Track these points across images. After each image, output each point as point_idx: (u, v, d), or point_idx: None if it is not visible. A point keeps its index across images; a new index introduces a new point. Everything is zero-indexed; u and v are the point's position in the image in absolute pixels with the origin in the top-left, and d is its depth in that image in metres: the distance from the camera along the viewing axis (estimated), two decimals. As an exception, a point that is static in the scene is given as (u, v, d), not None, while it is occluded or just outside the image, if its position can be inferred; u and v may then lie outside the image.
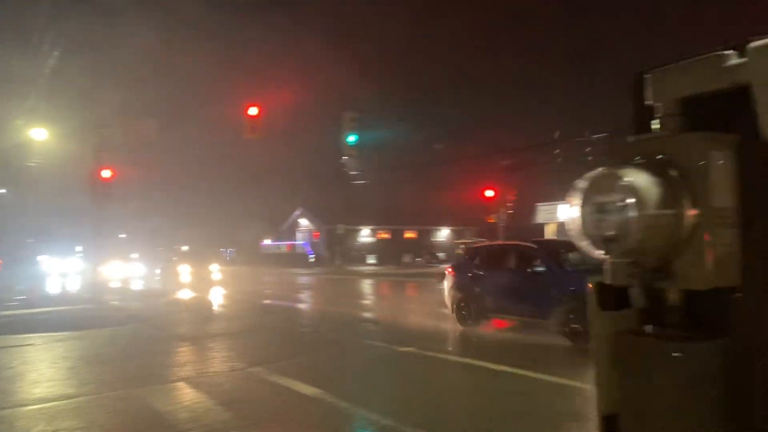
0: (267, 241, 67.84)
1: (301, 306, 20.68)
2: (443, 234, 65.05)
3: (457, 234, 63.93)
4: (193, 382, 7.94)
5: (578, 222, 1.65)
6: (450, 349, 10.38)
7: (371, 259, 58.82)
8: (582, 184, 1.64)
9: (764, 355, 1.61)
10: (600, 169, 1.63)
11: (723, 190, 1.59)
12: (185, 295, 23.83)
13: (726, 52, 1.61)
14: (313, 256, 57.40)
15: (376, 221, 60.84)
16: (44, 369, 9.16)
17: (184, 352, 10.69)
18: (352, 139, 23.87)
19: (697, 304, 1.68)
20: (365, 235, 61.64)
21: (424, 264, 52.40)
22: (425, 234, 63.82)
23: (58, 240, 56.19)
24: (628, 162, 1.66)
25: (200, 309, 18.27)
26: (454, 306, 13.24)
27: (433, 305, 19.34)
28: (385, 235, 62.72)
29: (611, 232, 1.57)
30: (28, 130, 23.96)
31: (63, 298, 22.64)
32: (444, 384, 7.86)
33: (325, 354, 10.43)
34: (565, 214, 1.66)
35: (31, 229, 54.23)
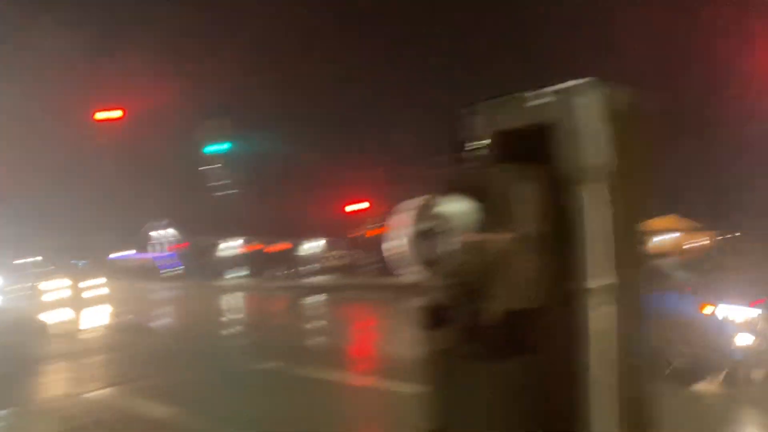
0: (126, 252, 63.94)
1: (161, 322, 19.69)
2: (314, 246, 64.94)
3: (328, 246, 64.10)
4: (28, 409, 7.29)
5: (402, 246, 1.72)
6: (318, 364, 10.36)
7: (240, 272, 57.34)
8: (405, 210, 1.73)
9: (566, 371, 1.77)
10: (422, 196, 1.72)
11: (530, 218, 1.74)
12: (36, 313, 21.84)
13: (531, 93, 1.77)
14: (178, 268, 54.92)
15: (245, 232, 59.45)
16: None
17: (18, 375, 9.78)
18: (219, 147, 23.25)
19: (509, 323, 1.82)
20: (234, 246, 60.03)
21: (294, 276, 51.94)
22: (295, 246, 63.35)
23: None
24: (447, 189, 1.76)
25: (45, 327, 16.81)
26: None
27: (303, 319, 19.24)
28: (255, 247, 61.49)
29: (431, 256, 1.66)
30: None
31: None
32: (310, 402, 7.84)
33: (185, 372, 10.00)
34: (392, 238, 1.74)
35: None
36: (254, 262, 58.67)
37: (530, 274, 1.74)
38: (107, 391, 8.13)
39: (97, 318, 19.73)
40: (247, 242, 60.98)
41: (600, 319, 1.73)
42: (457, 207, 1.66)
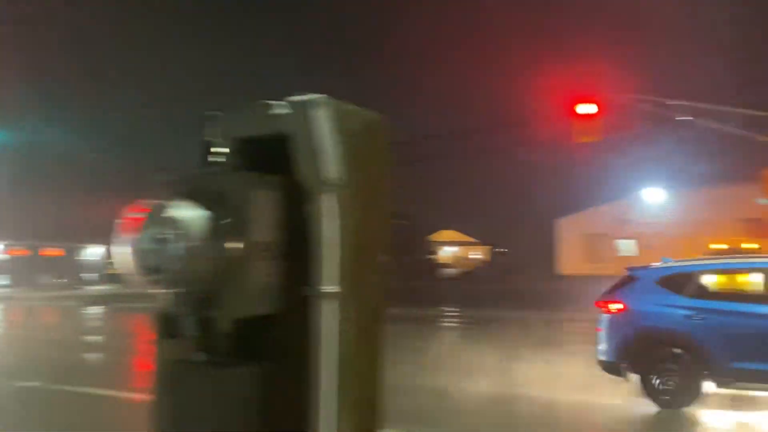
0: None
1: None
2: (94, 252, 59.49)
3: (110, 253, 59.11)
4: None
5: (130, 251, 1.64)
6: (83, 380, 9.45)
7: (2, 280, 50.49)
8: (133, 214, 1.65)
9: (300, 375, 1.82)
10: (151, 200, 1.65)
11: (264, 226, 1.76)
12: None
13: (273, 102, 1.80)
14: None
15: (9, 236, 52.52)
16: None
17: None
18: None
19: (243, 331, 1.82)
20: (-6, 251, 52.72)
21: (69, 285, 47.11)
22: (74, 252, 57.49)
23: None
24: (183, 195, 1.72)
25: None
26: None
27: (74, 331, 17.50)
28: (22, 253, 54.60)
29: (158, 263, 1.60)
30: None
31: None
32: (69, 420, 7.14)
33: None
34: (117, 244, 1.64)
35: None
36: (20, 269, 52.10)
37: (264, 281, 1.76)
38: None
39: None
40: (10, 246, 53.93)
41: (331, 324, 1.80)
42: (187, 213, 1.62)
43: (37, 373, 9.93)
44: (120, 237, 1.63)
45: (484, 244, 63.28)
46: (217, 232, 1.66)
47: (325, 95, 1.79)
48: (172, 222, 1.58)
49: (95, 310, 25.10)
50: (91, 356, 12.78)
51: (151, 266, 1.60)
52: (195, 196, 1.70)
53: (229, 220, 1.67)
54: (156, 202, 1.64)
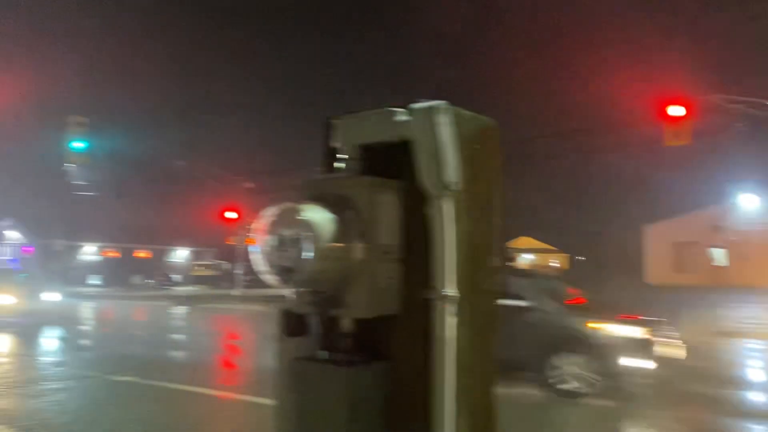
0: (-33, 255, 57.54)
1: (9, 331, 17.89)
2: (180, 255, 62.11)
3: (196, 255, 61.59)
4: None
5: (262, 252, 1.72)
6: (173, 377, 9.85)
7: (96, 280, 53.52)
8: (267, 216, 1.72)
9: (419, 376, 1.84)
10: (284, 203, 1.73)
11: (388, 229, 1.81)
12: None
13: (395, 109, 1.84)
14: (24, 274, 50.12)
15: (103, 238, 55.66)
16: None
17: None
18: (78, 145, 21.68)
19: (365, 331, 1.86)
20: (90, 252, 55.98)
21: (157, 286, 49.36)
22: (160, 254, 60.24)
23: None
24: (311, 198, 1.78)
25: None
26: None
27: (163, 330, 18.32)
28: (114, 254, 57.71)
29: (289, 264, 1.67)
30: None
31: None
32: (164, 414, 7.45)
33: (27, 386, 9.15)
34: (252, 244, 1.73)
35: None
36: (112, 269, 55.06)
37: (386, 282, 1.80)
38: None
39: None
40: (104, 248, 57.14)
41: (451, 326, 1.82)
42: (317, 216, 1.68)
43: (131, 368, 10.46)
44: (255, 239, 1.71)
45: (563, 251, 61.68)
46: (343, 234, 1.71)
47: (445, 102, 1.81)
48: (303, 224, 1.65)
49: (181, 310, 26.20)
50: (179, 354, 13.33)
51: (283, 266, 1.67)
52: (322, 199, 1.76)
53: (356, 222, 1.72)
54: (286, 205, 1.71)
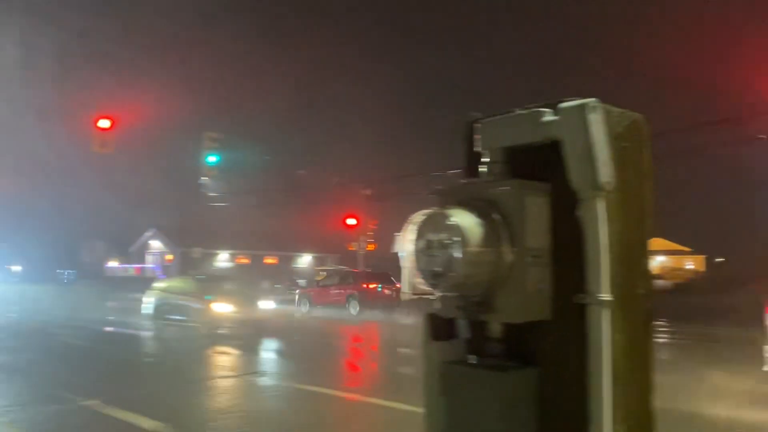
0: (113, 263, 63.41)
1: (146, 334, 19.51)
2: (305, 260, 64.66)
3: (318, 261, 63.86)
4: (15, 419, 7.19)
5: (411, 257, 1.74)
6: (309, 379, 10.26)
7: (228, 285, 56.88)
8: (415, 221, 1.75)
9: (572, 383, 1.78)
10: (432, 208, 1.74)
11: (537, 232, 1.77)
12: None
13: (542, 109, 1.80)
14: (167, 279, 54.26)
15: (234, 245, 59.18)
16: None
17: (7, 382, 9.64)
18: (212, 159, 23.19)
19: (514, 335, 1.83)
20: (223, 259, 59.72)
21: (284, 290, 51.67)
22: (286, 260, 63.07)
23: None
24: (456, 203, 1.79)
25: (21, 333, 16.62)
26: None
27: (293, 333, 19.13)
28: (244, 260, 61.18)
29: (439, 268, 1.68)
30: None
31: None
32: (300, 416, 7.77)
33: (171, 384, 9.91)
34: (400, 249, 1.76)
35: None
36: (247, 274, 58.26)
37: (536, 287, 1.76)
38: (92, 401, 8.04)
39: (83, 327, 19.50)
40: (237, 255, 60.66)
41: (606, 331, 1.74)
42: (465, 220, 1.68)
43: (268, 370, 11.01)
44: (401, 243, 1.74)
45: (698, 253, 57.51)
46: (491, 238, 1.70)
47: (595, 99, 1.75)
48: (451, 229, 1.65)
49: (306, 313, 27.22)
50: (306, 355, 13.84)
51: (432, 270, 1.68)
52: (469, 204, 1.76)
53: (504, 226, 1.71)
54: (434, 210, 1.73)
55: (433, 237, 1.70)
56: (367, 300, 26.22)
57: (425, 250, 1.72)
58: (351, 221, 35.04)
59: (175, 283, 20.89)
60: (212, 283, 20.28)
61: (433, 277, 1.69)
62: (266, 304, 19.70)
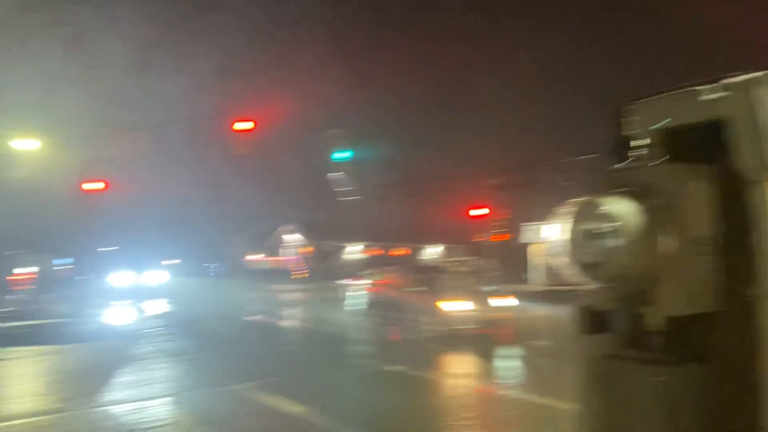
0: (254, 256, 67.45)
1: (288, 323, 20.55)
2: (434, 251, 65.00)
3: (448, 252, 63.90)
4: (173, 399, 7.87)
5: (564, 248, 1.69)
6: (440, 369, 10.33)
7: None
8: (567, 210, 1.69)
9: (740, 379, 1.65)
10: (585, 196, 1.67)
11: (701, 220, 1.65)
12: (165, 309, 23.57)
13: (702, 87, 1.67)
14: (302, 271, 57.00)
15: (366, 238, 60.71)
16: (24, 384, 9.05)
17: (163, 368, 10.59)
18: (341, 155, 23.92)
19: (677, 328, 1.73)
20: (355, 251, 61.51)
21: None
22: (416, 251, 63.74)
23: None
24: (611, 190, 1.71)
25: (177, 324, 18.11)
26: None
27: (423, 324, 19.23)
28: (376, 252, 62.60)
29: (595, 259, 1.61)
30: (16, 140, 23.91)
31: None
32: (432, 405, 7.83)
33: (312, 372, 10.35)
34: (552, 240, 1.71)
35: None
36: (375, 266, 59.61)
37: (700, 277, 1.64)
38: (241, 386, 8.61)
39: (229, 316, 20.90)
40: (368, 247, 62.23)
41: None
42: (622, 208, 1.60)
43: (399, 358, 11.19)
44: (553, 233, 1.69)
45: None
46: (651, 226, 1.61)
47: (766, 72, 1.59)
48: (607, 217, 1.59)
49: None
50: (441, 347, 13.86)
51: (587, 261, 1.62)
52: (625, 190, 1.68)
53: (665, 213, 1.61)
54: (588, 198, 1.66)
55: (588, 226, 1.64)
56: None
57: (580, 240, 1.66)
58: (479, 211, 34.67)
59: (390, 275, 18.18)
60: (437, 275, 16.64)
61: (589, 268, 1.63)
62: (502, 301, 15.69)
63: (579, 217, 1.66)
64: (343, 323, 17.19)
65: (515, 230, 38.22)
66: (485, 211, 34.49)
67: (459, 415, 7.27)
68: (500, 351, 13.15)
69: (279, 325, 19.23)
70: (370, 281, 18.34)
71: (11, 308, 20.83)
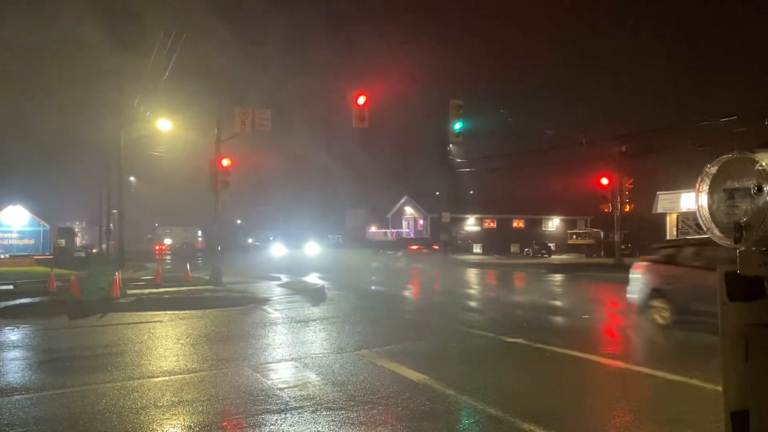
0: (373, 229, 69.09)
1: (407, 293, 20.92)
2: (553, 224, 63.23)
3: (568, 224, 61.91)
4: (303, 362, 8.29)
5: (707, 209, 1.57)
6: (560, 341, 10.10)
7: (477, 249, 58.34)
8: (712, 169, 1.56)
9: None
10: (732, 153, 1.53)
11: None
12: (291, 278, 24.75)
13: None
14: (422, 243, 57.57)
15: (481, 210, 60.21)
16: (170, 344, 9.92)
17: (295, 333, 11.16)
18: (458, 126, 23.71)
19: None
20: (471, 224, 61.20)
21: (533, 255, 51.20)
22: (533, 223, 62.35)
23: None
24: (764, 145, 1.56)
25: (307, 292, 18.95)
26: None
27: (544, 296, 18.97)
28: (491, 224, 61.96)
29: (744, 219, 1.48)
30: (154, 121, 25.91)
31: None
32: (553, 377, 7.69)
33: (431, 341, 10.52)
34: (692, 201, 1.59)
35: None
36: (494, 238, 59.18)
37: None
38: (365, 351, 8.91)
39: (352, 286, 21.60)
40: (483, 219, 61.74)
41: None
42: (775, 163, 1.45)
43: (519, 330, 11.06)
44: (700, 192, 1.57)
45: None
46: (814, 184, 1.45)
47: None
48: (761, 175, 1.45)
49: (558, 277, 26.65)
50: (561, 320, 13.56)
51: (735, 222, 1.50)
52: (779, 145, 1.52)
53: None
54: (734, 155, 1.52)
55: (735, 185, 1.50)
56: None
57: (726, 200, 1.53)
58: (603, 181, 33.13)
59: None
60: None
61: (736, 230, 1.50)
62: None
63: (727, 176, 1.53)
64: (460, 294, 17.15)
65: (648, 200, 36.18)
66: (605, 181, 32.91)
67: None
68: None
69: (400, 295, 19.65)
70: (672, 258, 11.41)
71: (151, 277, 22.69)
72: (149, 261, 42.29)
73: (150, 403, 6.18)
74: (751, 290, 1.70)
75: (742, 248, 1.60)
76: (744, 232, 1.49)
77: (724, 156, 1.55)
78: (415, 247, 47.59)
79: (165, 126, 25.23)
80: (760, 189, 1.44)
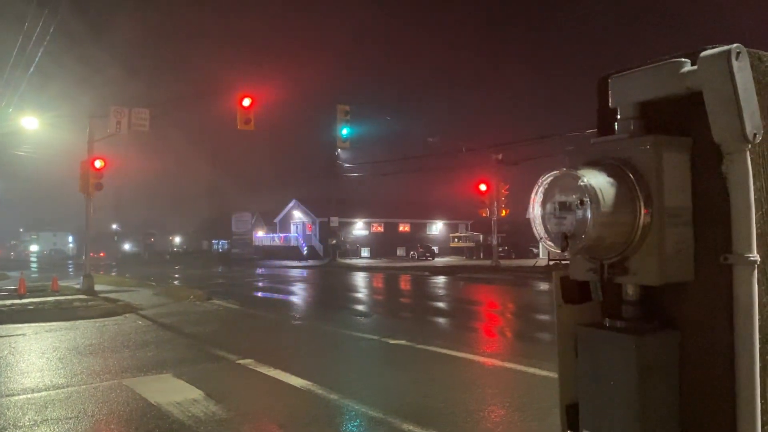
0: (260, 234, 67.86)
1: (293, 299, 20.77)
2: (437, 227, 65.24)
3: (450, 228, 64.12)
4: (182, 374, 8.02)
5: (540, 219, 1.73)
6: (441, 342, 10.46)
7: (365, 252, 59.03)
8: (544, 182, 1.73)
9: (716, 348, 1.70)
10: (561, 169, 1.71)
11: (676, 190, 1.68)
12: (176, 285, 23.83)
13: (680, 59, 1.69)
14: (307, 248, 57.21)
15: (369, 214, 61.01)
16: (34, 359, 9.23)
17: (174, 343, 10.76)
18: (345, 132, 23.89)
19: (652, 298, 1.77)
20: (359, 228, 61.80)
21: (417, 257, 52.56)
22: (418, 227, 64.01)
23: None
24: (587, 163, 1.74)
25: (187, 301, 18.31)
26: None
27: (427, 298, 19.50)
28: (379, 228, 62.93)
29: (569, 230, 1.65)
30: (18, 119, 23.96)
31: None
32: (435, 377, 7.96)
33: (316, 346, 10.53)
34: (530, 210, 1.75)
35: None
36: (381, 242, 60.08)
37: (675, 248, 1.68)
38: (247, 360, 8.77)
39: (238, 294, 21.13)
40: (370, 223, 62.48)
41: (748, 295, 1.64)
42: (596, 180, 1.63)
43: (403, 333, 11.34)
44: (531, 205, 1.73)
45: None
46: (626, 198, 1.64)
47: (738, 44, 1.61)
48: (582, 189, 1.62)
49: (440, 279, 27.55)
50: (443, 321, 14.06)
51: (562, 233, 1.66)
52: (601, 163, 1.71)
53: (638, 186, 1.64)
54: (563, 170, 1.70)
55: (562, 198, 1.68)
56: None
57: (554, 212, 1.70)
58: (482, 187, 34.71)
59: None
60: None
61: (563, 240, 1.67)
62: None
63: (553, 190, 1.70)
64: (346, 298, 17.29)
65: (524, 205, 38.29)
66: (483, 187, 34.60)
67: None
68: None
69: (286, 300, 19.45)
70: None
71: (13, 287, 20.96)
72: (11, 269, 39.02)
73: (9, 424, 5.73)
74: (581, 294, 1.90)
75: (571, 255, 1.78)
76: (569, 242, 1.65)
77: (555, 171, 1.72)
78: (303, 251, 47.35)
79: (31, 124, 23.41)
80: (581, 203, 1.62)
